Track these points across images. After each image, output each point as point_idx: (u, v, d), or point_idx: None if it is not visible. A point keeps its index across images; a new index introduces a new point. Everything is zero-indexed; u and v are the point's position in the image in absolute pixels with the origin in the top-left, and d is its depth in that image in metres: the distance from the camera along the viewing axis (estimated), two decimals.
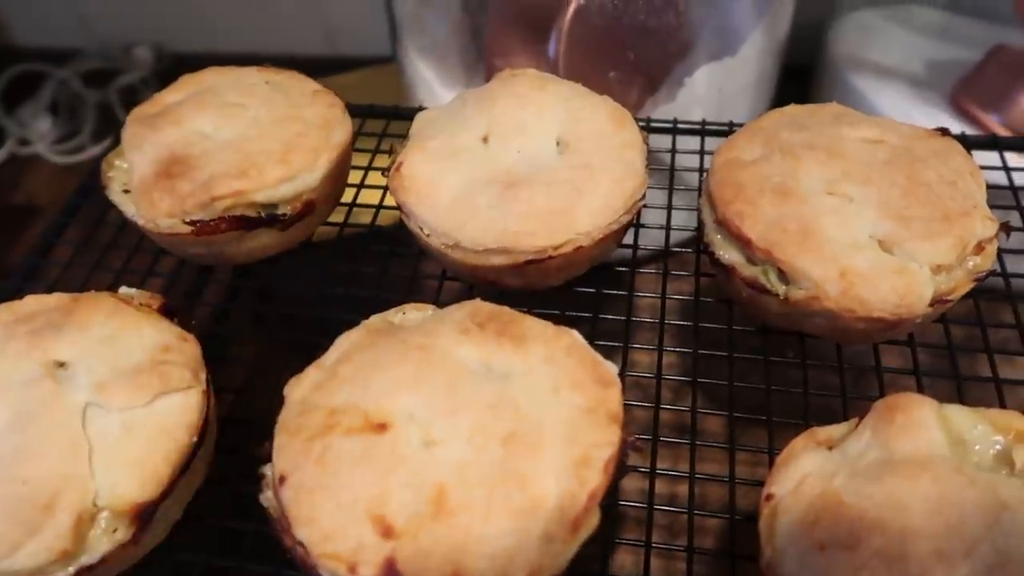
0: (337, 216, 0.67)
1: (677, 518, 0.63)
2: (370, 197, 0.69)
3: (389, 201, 0.67)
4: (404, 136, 0.61)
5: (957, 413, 0.42)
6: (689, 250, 0.63)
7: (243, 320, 0.70)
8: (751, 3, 0.76)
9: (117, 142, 0.63)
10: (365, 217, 0.68)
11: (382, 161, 0.67)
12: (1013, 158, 0.67)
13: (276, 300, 0.69)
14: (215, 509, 0.50)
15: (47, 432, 0.43)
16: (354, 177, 0.69)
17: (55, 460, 0.42)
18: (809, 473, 0.41)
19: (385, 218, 0.68)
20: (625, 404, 0.50)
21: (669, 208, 0.66)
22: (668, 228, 0.65)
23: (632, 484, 0.63)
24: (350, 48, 1.28)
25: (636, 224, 0.64)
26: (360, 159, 0.70)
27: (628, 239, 0.63)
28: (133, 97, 1.22)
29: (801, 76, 1.00)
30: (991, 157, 0.67)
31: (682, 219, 0.66)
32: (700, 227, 0.56)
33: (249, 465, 0.45)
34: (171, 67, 1.28)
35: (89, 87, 1.20)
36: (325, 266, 0.66)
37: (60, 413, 0.44)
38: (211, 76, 0.66)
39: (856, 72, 0.91)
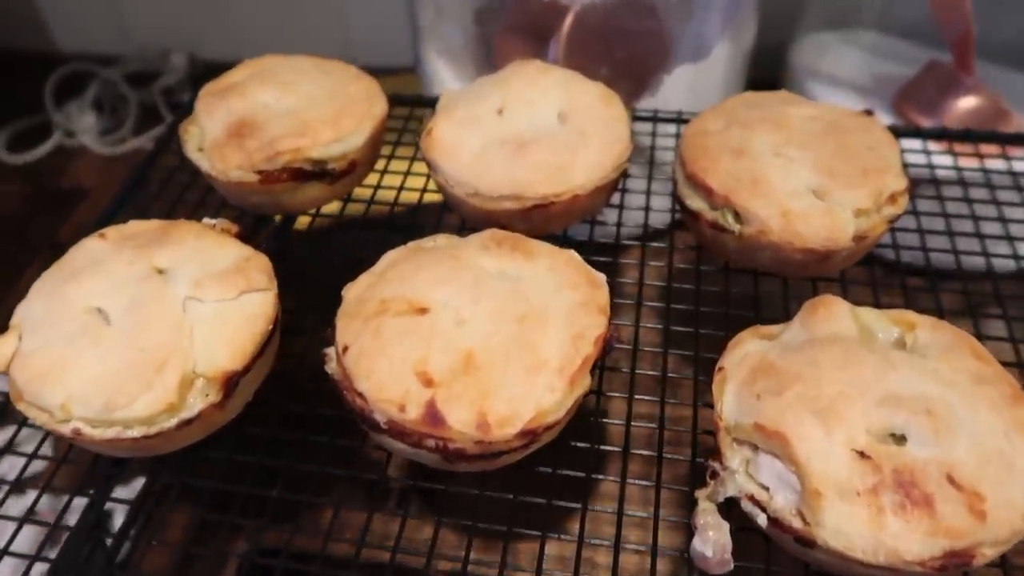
0: (364, 193, 0.79)
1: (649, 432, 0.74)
2: (398, 166, 0.82)
3: (408, 184, 0.81)
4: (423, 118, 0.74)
5: (865, 311, 0.55)
6: (663, 228, 0.76)
7: (295, 261, 0.82)
8: (719, 17, 0.90)
9: (173, 125, 0.75)
10: (388, 197, 0.81)
11: (408, 142, 0.80)
12: (931, 145, 0.81)
13: (321, 246, 0.81)
14: (277, 397, 0.61)
15: (158, 314, 0.54)
16: (380, 163, 0.81)
17: (165, 334, 0.54)
18: (751, 351, 0.53)
19: (405, 197, 0.80)
20: (613, 323, 0.63)
21: (649, 179, 0.79)
22: (648, 193, 0.78)
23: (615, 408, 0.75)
24: (367, 59, 1.41)
25: (620, 207, 0.77)
26: (386, 149, 0.83)
27: (614, 216, 0.76)
28: (171, 97, 1.35)
29: (768, 87, 1.14)
30: (916, 144, 0.82)
31: (660, 202, 0.79)
32: (675, 184, 0.69)
33: (298, 367, 0.56)
34: (203, 73, 1.41)
35: (131, 87, 1.33)
36: (353, 234, 0.78)
37: (167, 301, 0.55)
38: (269, 61, 0.79)
39: (813, 83, 1.05)
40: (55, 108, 1.30)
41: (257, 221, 0.79)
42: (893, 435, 0.46)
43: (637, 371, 0.63)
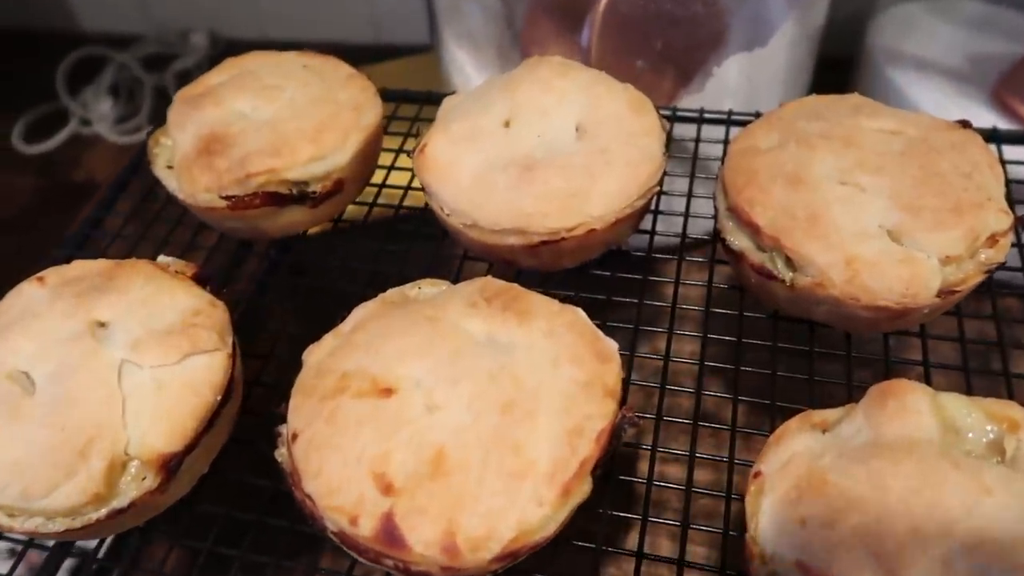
0: (367, 196, 0.70)
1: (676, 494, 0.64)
2: (400, 179, 0.72)
3: (417, 183, 0.70)
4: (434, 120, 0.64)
5: (952, 400, 0.42)
6: (706, 237, 0.64)
7: (280, 292, 0.74)
8: None
9: (164, 121, 0.67)
10: (394, 198, 0.71)
11: (413, 144, 0.70)
12: None
13: (307, 274, 0.72)
14: (238, 466, 0.53)
15: (85, 384, 0.46)
16: (386, 159, 0.72)
17: (91, 410, 0.46)
18: (798, 453, 0.42)
19: (412, 199, 0.70)
20: (632, 383, 0.52)
21: (689, 196, 0.67)
22: (687, 215, 0.66)
23: (636, 462, 0.65)
24: (394, 37, 1.31)
25: (655, 211, 0.65)
26: (393, 142, 0.73)
27: (646, 224, 0.64)
28: (187, 81, 1.27)
29: (840, 68, 0.99)
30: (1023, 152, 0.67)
31: (703, 207, 0.67)
32: (715, 214, 0.57)
33: (272, 427, 0.48)
34: (224, 52, 1.32)
35: (147, 71, 1.26)
36: (353, 244, 0.69)
37: (98, 368, 0.47)
38: (253, 60, 0.69)
39: (896, 66, 0.90)
40: (69, 95, 1.24)
41: (241, 244, 0.71)
42: None
43: (664, 417, 0.53)
